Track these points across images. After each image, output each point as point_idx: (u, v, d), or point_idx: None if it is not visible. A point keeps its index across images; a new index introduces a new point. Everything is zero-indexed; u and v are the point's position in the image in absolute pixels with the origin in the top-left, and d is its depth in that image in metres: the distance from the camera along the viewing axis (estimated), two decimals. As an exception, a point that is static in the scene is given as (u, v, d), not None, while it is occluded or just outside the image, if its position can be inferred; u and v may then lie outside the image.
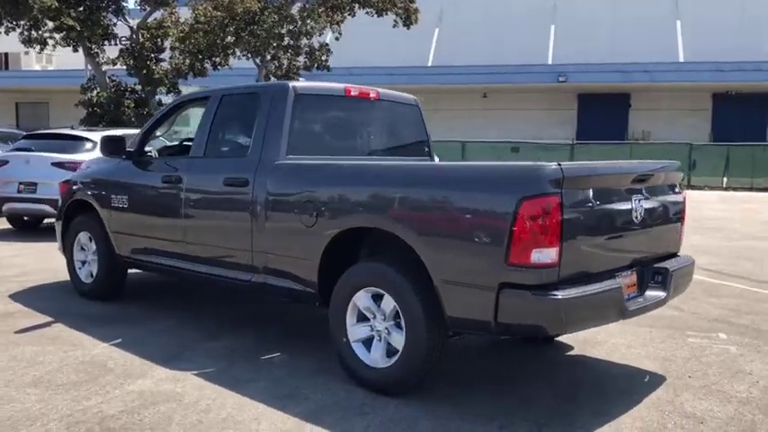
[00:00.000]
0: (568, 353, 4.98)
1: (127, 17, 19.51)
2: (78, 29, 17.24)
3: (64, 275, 7.08)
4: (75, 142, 10.09)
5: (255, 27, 17.93)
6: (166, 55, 19.93)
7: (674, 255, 4.51)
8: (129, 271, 6.27)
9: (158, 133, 6.10)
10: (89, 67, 20.66)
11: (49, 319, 5.55)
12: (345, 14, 19.70)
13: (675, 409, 3.91)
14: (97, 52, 19.45)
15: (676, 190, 4.49)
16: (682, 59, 30.03)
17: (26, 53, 26.21)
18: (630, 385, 4.33)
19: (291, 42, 19.36)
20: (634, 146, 26.71)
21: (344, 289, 4.17)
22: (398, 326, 3.95)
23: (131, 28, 19.58)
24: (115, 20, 19.27)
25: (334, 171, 4.41)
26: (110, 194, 5.82)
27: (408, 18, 19.44)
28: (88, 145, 10.01)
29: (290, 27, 18.80)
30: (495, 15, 32.61)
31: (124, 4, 19.33)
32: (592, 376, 4.57)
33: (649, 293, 4.10)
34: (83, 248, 6.27)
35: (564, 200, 3.43)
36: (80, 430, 3.51)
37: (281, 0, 19.06)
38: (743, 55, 27.93)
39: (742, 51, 28.14)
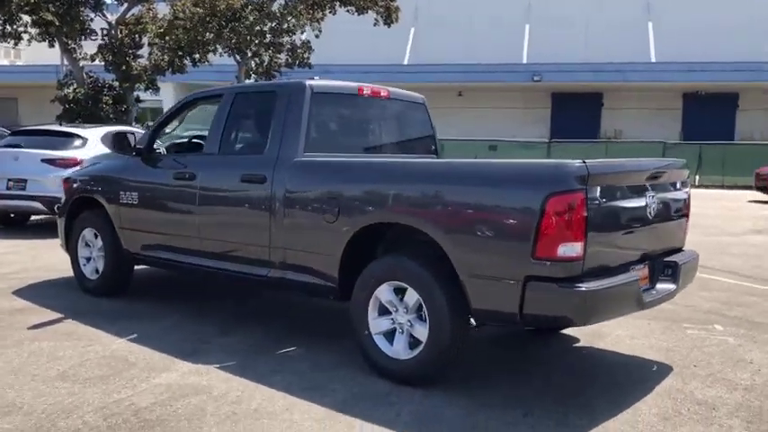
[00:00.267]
0: (575, 344, 5.15)
1: (105, 12, 19.31)
2: (57, 24, 17.03)
3: (63, 272, 7.09)
4: (64, 139, 10.01)
5: (237, 24, 17.88)
6: (145, 51, 19.77)
7: (680, 249, 4.70)
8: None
9: (167, 130, 6.14)
10: (65, 63, 20.40)
11: (59, 315, 5.56)
12: (326, 12, 19.73)
13: (687, 396, 4.08)
14: (74, 48, 19.23)
15: (682, 187, 4.67)
16: (653, 60, 30.61)
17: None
18: (641, 375, 4.51)
19: (273, 40, 19.34)
20: (609, 144, 27.17)
21: (367, 283, 4.27)
22: (421, 318, 4.07)
23: (109, 23, 19.40)
24: (93, 15, 19.06)
25: (360, 168, 4.51)
26: (118, 191, 5.84)
27: (389, 17, 19.55)
28: (77, 142, 9.95)
29: (272, 24, 18.78)
30: (470, 14, 32.89)
31: (103, -1, 19.17)
32: (602, 366, 4.74)
33: (660, 286, 4.27)
34: (87, 245, 6.28)
35: (588, 196, 3.58)
36: (117, 421, 3.56)
37: (262, -3, 19.07)
38: (712, 56, 28.60)
39: (711, 52, 28.80)
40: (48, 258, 8.05)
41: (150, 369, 4.36)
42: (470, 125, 29.97)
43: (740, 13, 30.13)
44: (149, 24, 19.59)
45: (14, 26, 18.37)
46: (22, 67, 34.57)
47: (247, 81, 19.69)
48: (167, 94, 29.11)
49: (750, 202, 18.61)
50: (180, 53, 18.65)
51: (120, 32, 19.33)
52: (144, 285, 6.67)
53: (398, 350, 4.17)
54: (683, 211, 4.65)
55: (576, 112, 32.10)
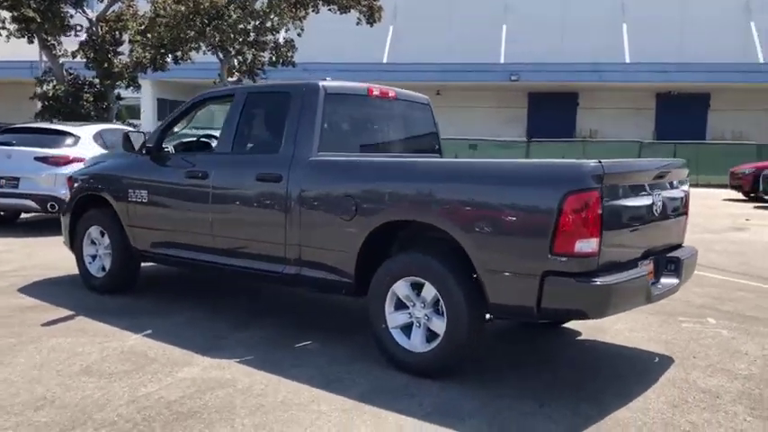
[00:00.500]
0: (578, 338, 5.34)
1: (86, 9, 19.14)
2: (39, 20, 16.86)
3: (63, 270, 7.14)
4: (57, 136, 9.99)
5: (220, 22, 17.87)
6: (126, 48, 19.63)
7: (680, 245, 4.91)
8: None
9: (176, 129, 6.21)
10: (44, 59, 20.19)
11: (69, 312, 5.61)
12: (309, 11, 19.79)
13: (690, 386, 4.28)
14: (54, 44, 19.04)
15: (682, 185, 4.88)
16: (627, 60, 31.09)
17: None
18: (644, 366, 4.70)
19: (257, 38, 19.35)
20: (587, 143, 27.56)
21: (384, 279, 4.41)
22: (438, 312, 4.21)
23: (90, 20, 19.23)
24: (73, 11, 18.89)
25: (379, 168, 4.64)
26: (127, 189, 5.90)
27: (372, 16, 19.67)
28: (70, 140, 9.94)
29: (256, 23, 18.79)
30: (448, 14, 33.13)
31: (84, -5, 18.98)
32: (606, 359, 4.93)
33: (664, 281, 4.47)
34: (93, 243, 6.32)
35: (603, 194, 3.76)
36: (150, 414, 3.66)
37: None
38: (685, 56, 29.18)
39: (684, 53, 29.40)
40: (44, 256, 8.06)
41: (172, 364, 4.45)
42: (450, 124, 30.18)
43: (712, 15, 30.76)
44: (130, 21, 19.46)
45: (-8, 22, 18.15)
46: (-6, 63, 34.00)
47: (230, 79, 19.67)
48: (145, 92, 28.95)
49: (725, 200, 19.07)
50: (162, 51, 18.56)
51: (101, 29, 19.18)
52: (147, 283, 6.73)
53: (415, 343, 4.31)
54: (683, 208, 4.86)
55: (552, 111, 32.50)
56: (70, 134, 10.01)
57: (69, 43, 19.69)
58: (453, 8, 33.15)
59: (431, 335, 4.27)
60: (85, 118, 17.77)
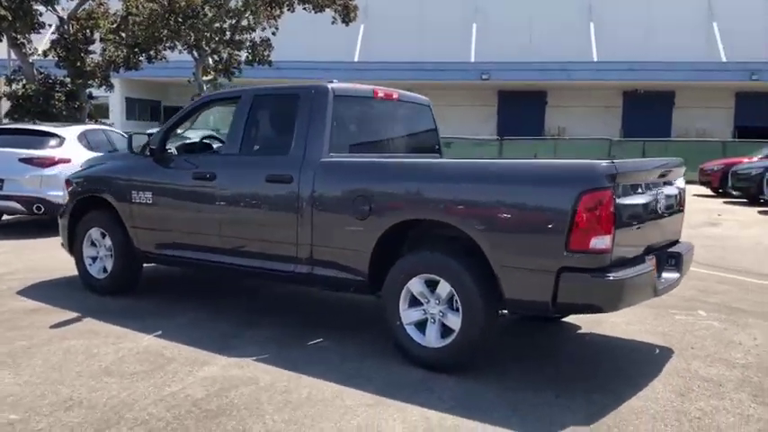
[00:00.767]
0: (578, 331, 5.51)
1: (56, 7, 18.88)
2: (10, 19, 16.59)
3: (58, 272, 7.11)
4: (41, 138, 9.88)
5: (195, 21, 17.78)
6: (98, 47, 19.42)
7: (677, 241, 5.11)
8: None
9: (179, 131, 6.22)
10: (13, 58, 19.86)
11: (75, 314, 5.61)
12: (284, 9, 19.78)
13: (693, 375, 4.48)
14: (23, 43, 18.75)
15: (679, 183, 5.08)
16: (595, 59, 31.67)
17: None
18: (646, 357, 4.90)
19: (233, 37, 19.28)
20: (558, 141, 27.98)
21: (398, 276, 4.52)
22: (453, 308, 4.34)
23: (61, 18, 18.98)
24: (44, 9, 18.62)
25: (393, 168, 4.75)
26: (130, 190, 5.90)
27: (347, 15, 19.74)
28: (54, 141, 9.84)
29: (232, 21, 18.73)
30: (419, 13, 33.35)
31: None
32: (608, 351, 5.11)
33: (666, 275, 4.65)
34: (94, 244, 6.31)
35: (615, 192, 3.92)
36: (180, 412, 3.72)
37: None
38: (650, 55, 29.82)
39: (650, 52, 30.04)
40: (37, 259, 7.99)
41: (191, 363, 4.50)
42: (420, 122, 30.36)
43: (677, 16, 31.47)
44: (101, 20, 19.27)
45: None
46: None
47: (204, 78, 19.57)
48: (114, 90, 28.56)
49: (695, 196, 19.52)
50: (136, 49, 18.40)
51: (72, 27, 18.95)
52: (147, 285, 6.74)
53: (430, 339, 4.43)
54: (681, 205, 5.06)
55: (521, 109, 33.00)
56: (55, 135, 9.91)
57: (39, 41, 19.41)
58: (424, 8, 33.39)
59: (445, 330, 4.39)
60: (57, 117, 17.57)
